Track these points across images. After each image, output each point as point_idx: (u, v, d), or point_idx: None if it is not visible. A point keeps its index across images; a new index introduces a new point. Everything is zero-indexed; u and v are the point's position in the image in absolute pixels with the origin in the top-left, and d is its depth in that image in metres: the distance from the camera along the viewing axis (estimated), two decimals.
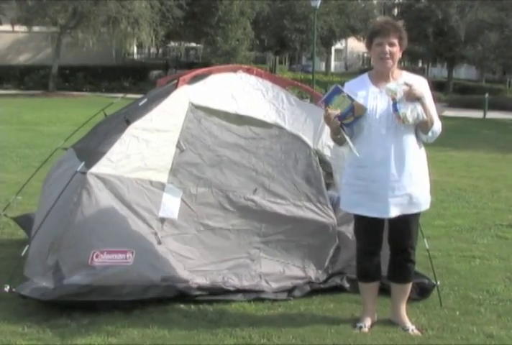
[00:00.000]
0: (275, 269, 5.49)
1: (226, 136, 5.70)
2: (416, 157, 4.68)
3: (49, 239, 5.12)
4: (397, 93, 4.54)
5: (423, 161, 4.77)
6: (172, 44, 59.19)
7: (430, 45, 44.10)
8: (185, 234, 5.38)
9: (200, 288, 5.19)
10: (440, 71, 55.92)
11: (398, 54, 4.66)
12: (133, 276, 4.99)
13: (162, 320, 4.91)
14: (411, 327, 4.88)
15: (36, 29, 34.54)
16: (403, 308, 4.97)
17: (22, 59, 40.35)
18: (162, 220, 5.31)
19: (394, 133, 4.60)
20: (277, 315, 5.09)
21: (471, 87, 43.66)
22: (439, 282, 5.53)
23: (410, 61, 48.72)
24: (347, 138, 4.66)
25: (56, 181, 5.93)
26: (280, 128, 5.85)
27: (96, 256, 4.95)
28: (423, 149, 4.78)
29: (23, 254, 5.01)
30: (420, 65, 57.78)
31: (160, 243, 5.21)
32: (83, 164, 5.31)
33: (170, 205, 5.35)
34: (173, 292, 5.12)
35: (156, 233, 5.23)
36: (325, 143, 5.89)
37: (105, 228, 5.09)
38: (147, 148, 5.40)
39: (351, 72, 64.56)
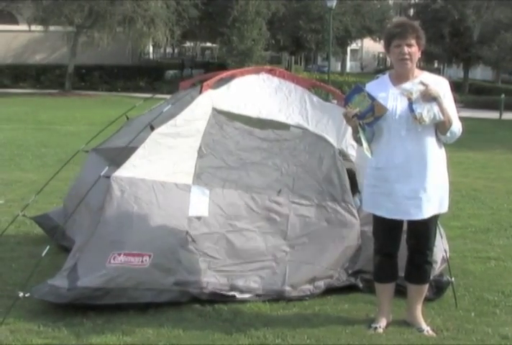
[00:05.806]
0: (300, 272, 5.45)
1: (248, 140, 5.71)
2: (436, 159, 4.64)
3: (77, 244, 5.20)
4: (413, 92, 4.50)
5: (444, 162, 4.73)
6: (187, 43, 59.43)
7: (446, 46, 43.90)
8: (214, 233, 5.34)
9: (213, 294, 5.17)
10: (456, 72, 55.62)
11: (417, 55, 4.62)
12: (146, 280, 4.99)
13: (177, 319, 4.92)
14: (426, 328, 4.86)
15: (52, 28, 34.61)
16: (419, 309, 4.95)
17: (38, 58, 40.54)
18: (193, 219, 5.29)
19: (414, 134, 4.57)
20: (292, 315, 5.09)
21: (487, 88, 43.39)
22: (453, 279, 5.52)
23: (426, 62, 48.44)
24: (362, 138, 4.62)
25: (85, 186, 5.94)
26: (304, 129, 5.85)
27: (114, 258, 4.96)
28: (443, 149, 4.74)
29: (43, 254, 4.99)
30: (436, 65, 57.53)
31: (193, 241, 5.19)
32: (107, 168, 5.33)
33: (199, 204, 5.34)
34: (186, 297, 5.12)
35: (187, 232, 5.21)
36: (349, 142, 5.88)
37: (125, 231, 5.10)
38: (169, 154, 5.41)
39: (366, 72, 64.54)
